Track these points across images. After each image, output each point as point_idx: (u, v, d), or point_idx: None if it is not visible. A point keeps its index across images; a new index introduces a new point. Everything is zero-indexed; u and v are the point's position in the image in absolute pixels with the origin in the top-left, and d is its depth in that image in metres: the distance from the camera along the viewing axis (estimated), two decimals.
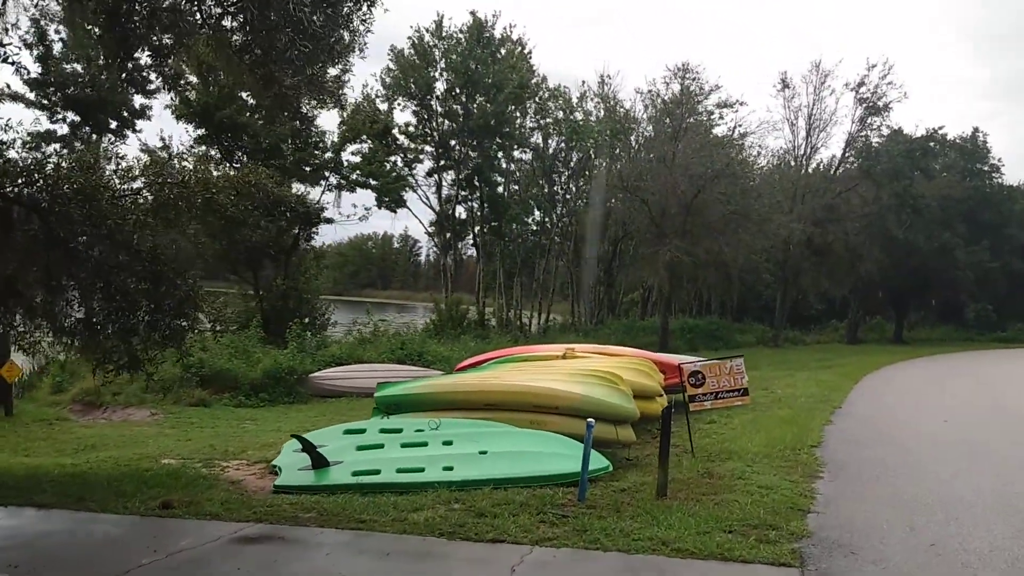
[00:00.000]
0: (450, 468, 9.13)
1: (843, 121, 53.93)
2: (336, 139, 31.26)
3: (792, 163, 46.52)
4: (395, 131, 40.05)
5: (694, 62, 39.13)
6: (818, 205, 42.99)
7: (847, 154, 45.70)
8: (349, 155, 31.94)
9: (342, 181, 31.59)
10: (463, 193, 42.34)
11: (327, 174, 31.20)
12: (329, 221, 32.06)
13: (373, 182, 34.58)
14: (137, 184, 9.53)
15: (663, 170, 35.14)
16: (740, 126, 39.88)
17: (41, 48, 24.78)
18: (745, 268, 52.03)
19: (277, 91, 9.71)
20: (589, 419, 8.67)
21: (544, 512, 7.92)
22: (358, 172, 32.64)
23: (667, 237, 34.17)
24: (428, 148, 40.67)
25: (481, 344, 30.33)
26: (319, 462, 9.31)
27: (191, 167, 10.24)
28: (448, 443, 9.70)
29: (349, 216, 32.53)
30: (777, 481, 9.63)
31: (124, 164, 9.49)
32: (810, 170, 46.09)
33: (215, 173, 10.21)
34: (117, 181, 9.32)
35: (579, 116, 43.01)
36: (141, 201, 9.39)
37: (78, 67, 25.76)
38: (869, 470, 10.73)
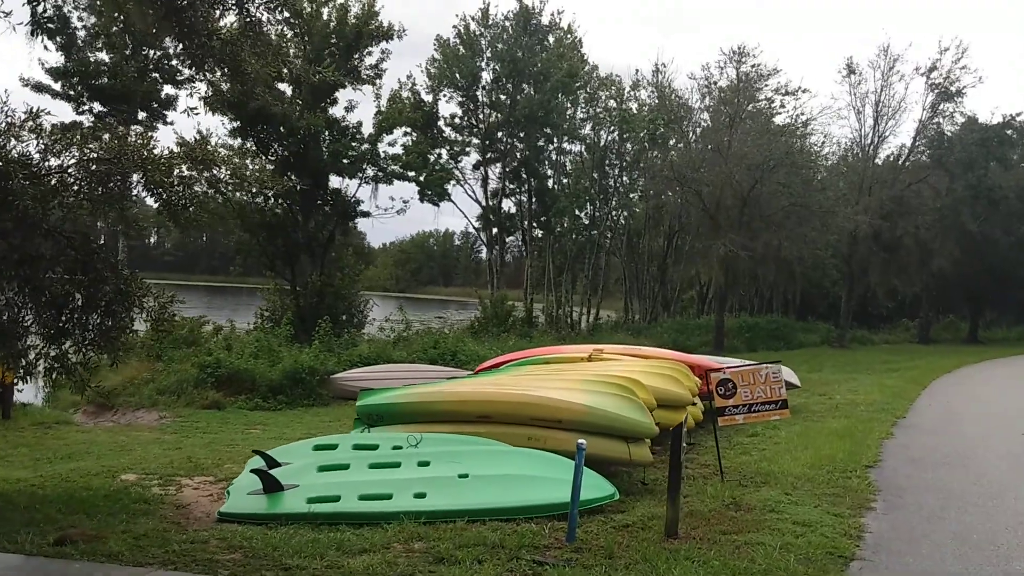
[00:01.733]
0: (422, 495, 7.71)
1: (913, 108, 51.09)
2: (372, 129, 29.96)
3: (859, 153, 44.02)
4: (440, 123, 38.98)
5: (751, 44, 36.64)
6: (886, 197, 40.50)
7: (917, 143, 43.00)
8: (387, 146, 30.69)
9: (379, 173, 30.34)
10: (511, 186, 40.99)
11: (364, 166, 30.01)
12: (366, 214, 30.98)
13: (411, 173, 33.28)
14: (71, 160, 8.22)
15: (718, 160, 33.26)
16: (803, 114, 37.61)
17: (63, 37, 24.03)
18: (809, 264, 49.89)
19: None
20: (580, 440, 7.16)
21: (518, 558, 6.45)
22: (399, 164, 31.33)
23: (722, 231, 32.32)
24: (474, 140, 39.40)
25: (522, 343, 28.88)
26: (271, 486, 7.97)
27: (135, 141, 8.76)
28: (424, 464, 8.27)
29: (387, 209, 31.33)
30: (818, 516, 7.99)
31: (50, 135, 8.11)
32: (878, 160, 43.53)
33: (157, 151, 8.77)
34: (37, 156, 8.02)
35: (632, 106, 41.36)
36: (70, 180, 8.08)
37: (103, 56, 25.04)
38: (932, 500, 9.00)
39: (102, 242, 8.70)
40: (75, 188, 8.11)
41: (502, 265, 41.15)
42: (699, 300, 48.44)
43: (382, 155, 30.36)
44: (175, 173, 8.70)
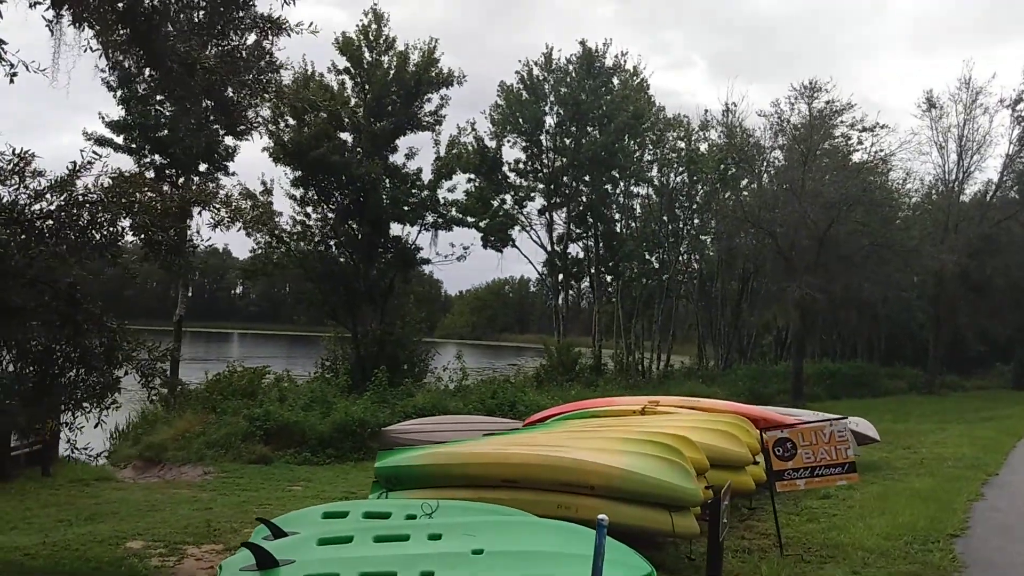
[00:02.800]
0: (429, 574, 6.80)
1: (1000, 142, 48.77)
2: (432, 176, 29.58)
3: (943, 189, 42.03)
4: (504, 168, 38.55)
5: (823, 78, 35.25)
6: (974, 235, 38.47)
7: (1004, 178, 40.85)
8: (446, 192, 30.24)
9: (439, 219, 29.87)
10: (577, 231, 40.19)
11: (425, 213, 29.61)
12: (426, 261, 30.46)
13: (471, 219, 32.74)
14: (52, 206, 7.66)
15: (792, 199, 31.89)
16: (881, 151, 35.98)
17: (124, 89, 24.22)
18: (895, 307, 47.67)
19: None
20: (601, 516, 6.18)
21: None
22: (458, 209, 30.86)
23: (797, 272, 30.83)
24: (539, 185, 38.80)
25: (586, 392, 27.84)
26: (265, 561, 7.15)
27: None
28: (436, 537, 7.34)
29: (447, 256, 30.79)
30: None
31: (35, 179, 7.53)
32: (964, 197, 41.50)
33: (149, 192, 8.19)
34: (24, 198, 7.46)
35: (702, 147, 40.30)
36: (51, 223, 7.50)
37: (162, 108, 25.15)
38: None
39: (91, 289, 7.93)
40: (61, 233, 7.53)
41: (567, 311, 40.21)
42: (776, 346, 46.60)
43: (442, 201, 29.84)
44: (167, 215, 7.97)
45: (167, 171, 25.52)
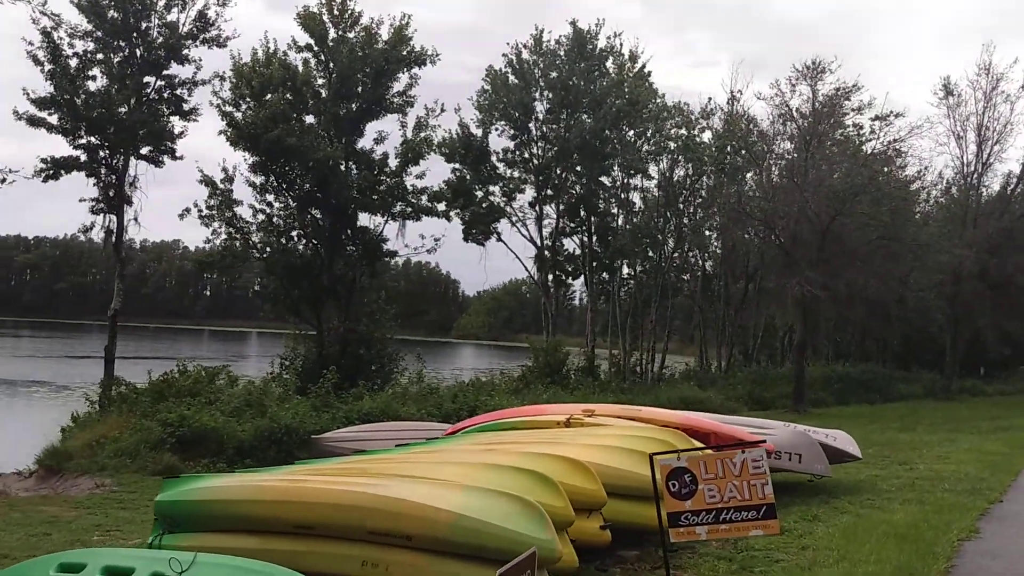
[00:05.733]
0: None
1: (1023, 131, 45.89)
2: (398, 161, 27.41)
3: (961, 182, 39.37)
4: (493, 158, 36.36)
5: (827, 58, 32.54)
6: (994, 230, 35.85)
7: None
8: (415, 179, 28.03)
9: (406, 208, 27.69)
10: (570, 225, 37.89)
11: (395, 202, 27.46)
12: (393, 254, 28.32)
13: (451, 210, 30.50)
14: None
15: (793, 189, 29.45)
16: (895, 140, 33.38)
17: (54, 64, 22.25)
18: (912, 307, 45.01)
19: None
20: None
21: None
22: (432, 199, 28.63)
23: (798, 268, 28.38)
24: (527, 176, 36.56)
25: (562, 395, 25.67)
26: None
27: None
28: None
29: (416, 248, 28.62)
30: None
31: None
32: (983, 189, 38.82)
33: None
34: None
35: (705, 136, 37.91)
36: None
37: (95, 84, 23.22)
38: None
39: None
40: None
41: (557, 309, 37.92)
42: (782, 348, 44.10)
43: (410, 188, 27.67)
44: None
45: (101, 152, 23.48)
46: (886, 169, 33.47)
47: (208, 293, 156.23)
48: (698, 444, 9.86)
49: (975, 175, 37.96)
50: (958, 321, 38.58)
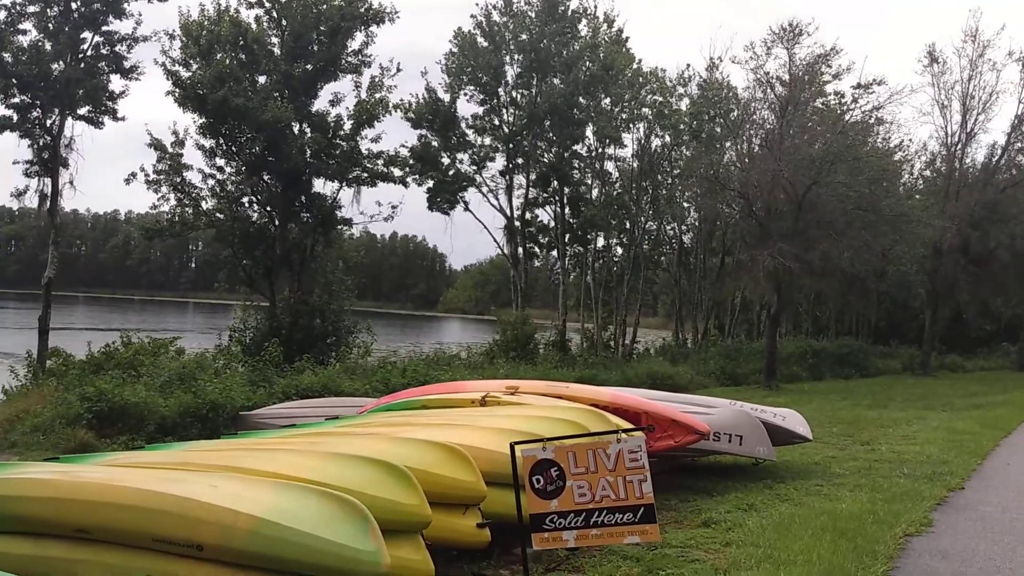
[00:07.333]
0: None
1: (1008, 101, 44.81)
2: (351, 124, 26.16)
3: (944, 153, 38.30)
4: (463, 125, 35.09)
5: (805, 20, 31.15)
6: (976, 203, 34.80)
7: (1013, 141, 37.01)
8: (371, 143, 26.78)
9: (361, 174, 26.47)
10: (543, 195, 36.72)
11: (350, 166, 26.22)
12: (347, 221, 27.10)
13: (413, 177, 29.22)
14: None
15: (768, 157, 28.29)
16: (876, 108, 32.23)
17: None
18: (893, 282, 44.17)
19: None
20: None
21: None
22: (389, 164, 27.35)
23: (772, 239, 27.27)
24: (497, 144, 35.31)
25: (525, 370, 24.64)
26: None
27: None
28: None
29: (373, 216, 27.42)
30: None
31: None
32: (967, 160, 37.74)
33: None
34: None
35: (683, 104, 36.67)
36: None
37: (29, 38, 21.86)
38: None
39: None
40: None
41: (528, 282, 36.82)
42: (758, 322, 43.14)
43: (365, 153, 26.45)
44: None
45: (34, 112, 22.17)
46: (869, 140, 32.39)
47: (193, 266, 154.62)
48: (626, 425, 8.87)
49: (959, 145, 36.89)
50: (938, 296, 37.64)
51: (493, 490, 6.40)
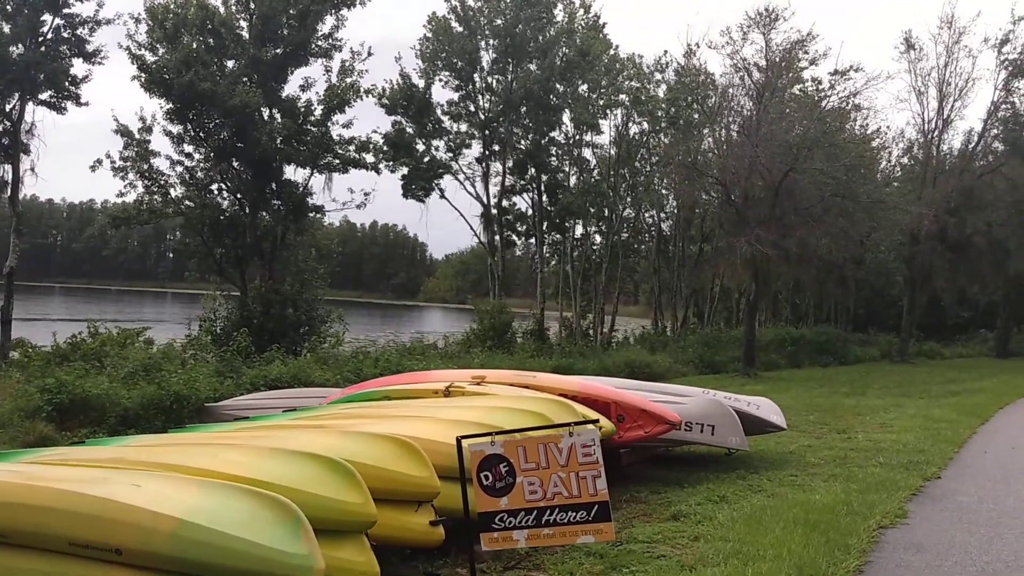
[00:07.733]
0: None
1: (984, 88, 44.81)
2: (322, 109, 25.69)
3: (921, 140, 38.23)
4: (438, 111, 34.66)
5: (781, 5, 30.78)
6: (953, 189, 34.71)
7: (989, 127, 36.96)
8: (342, 128, 26.32)
9: (332, 160, 26.02)
10: (520, 182, 36.39)
11: (321, 153, 25.76)
12: (318, 209, 26.64)
13: (371, 160, 28.60)
14: None
15: (744, 143, 28.06)
16: (853, 94, 32.04)
17: None
18: (872, 269, 44.21)
19: None
20: None
21: None
22: (360, 150, 26.89)
23: (749, 226, 27.04)
24: (473, 131, 34.91)
25: (501, 359, 24.36)
26: None
27: None
28: None
29: (345, 203, 27.00)
30: None
31: None
32: (943, 147, 37.69)
33: None
34: None
35: (660, 92, 36.39)
36: None
37: None
38: None
39: None
40: None
41: (504, 270, 36.49)
42: (737, 310, 43.03)
43: (336, 139, 25.99)
44: None
45: None
46: (847, 127, 32.24)
47: (171, 256, 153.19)
48: (593, 416, 8.58)
49: (936, 132, 36.81)
50: (916, 283, 37.61)
51: (448, 485, 6.07)
